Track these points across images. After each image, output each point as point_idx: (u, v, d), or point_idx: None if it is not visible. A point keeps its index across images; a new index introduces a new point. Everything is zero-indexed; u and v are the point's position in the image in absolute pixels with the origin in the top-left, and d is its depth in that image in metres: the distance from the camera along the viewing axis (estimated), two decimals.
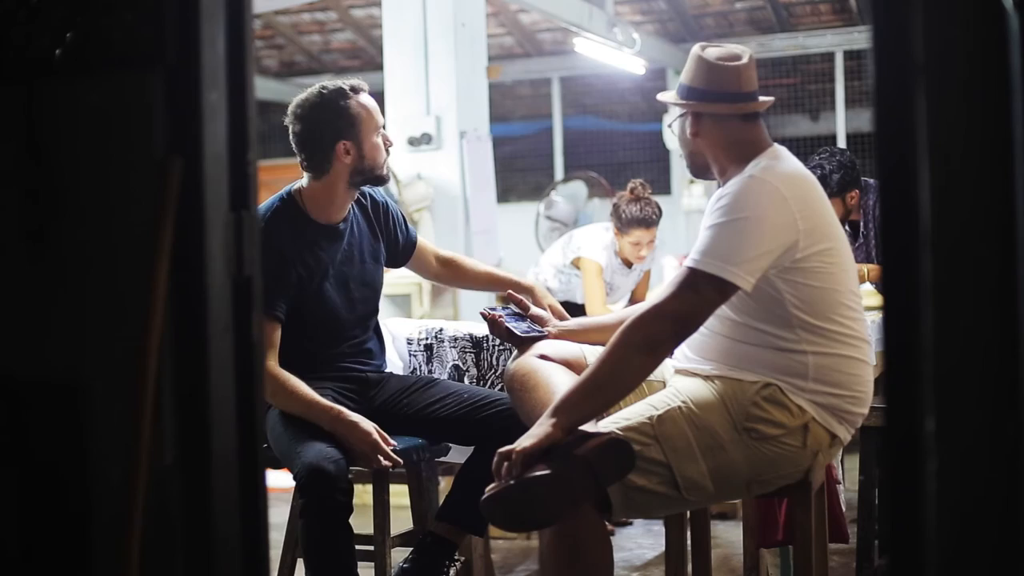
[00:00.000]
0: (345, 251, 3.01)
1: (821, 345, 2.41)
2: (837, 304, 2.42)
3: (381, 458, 2.75)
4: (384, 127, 3.03)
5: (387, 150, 3.01)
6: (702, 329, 2.46)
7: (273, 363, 2.85)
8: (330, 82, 3.01)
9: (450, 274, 3.30)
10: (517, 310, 2.92)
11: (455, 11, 6.07)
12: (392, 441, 2.80)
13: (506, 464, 2.28)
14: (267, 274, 2.83)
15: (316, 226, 2.98)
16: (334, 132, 2.93)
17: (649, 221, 4.68)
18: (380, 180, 3.04)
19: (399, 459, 2.80)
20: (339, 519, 2.67)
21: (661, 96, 2.73)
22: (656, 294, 2.40)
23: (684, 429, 2.39)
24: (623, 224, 4.72)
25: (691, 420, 2.40)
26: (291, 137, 3.00)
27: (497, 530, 4.36)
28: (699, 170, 2.63)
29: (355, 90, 2.97)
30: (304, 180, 3.02)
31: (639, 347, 2.33)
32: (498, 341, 3.20)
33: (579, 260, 4.87)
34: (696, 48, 2.59)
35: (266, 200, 3.02)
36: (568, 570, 2.35)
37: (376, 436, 2.76)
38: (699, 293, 2.33)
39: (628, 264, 4.89)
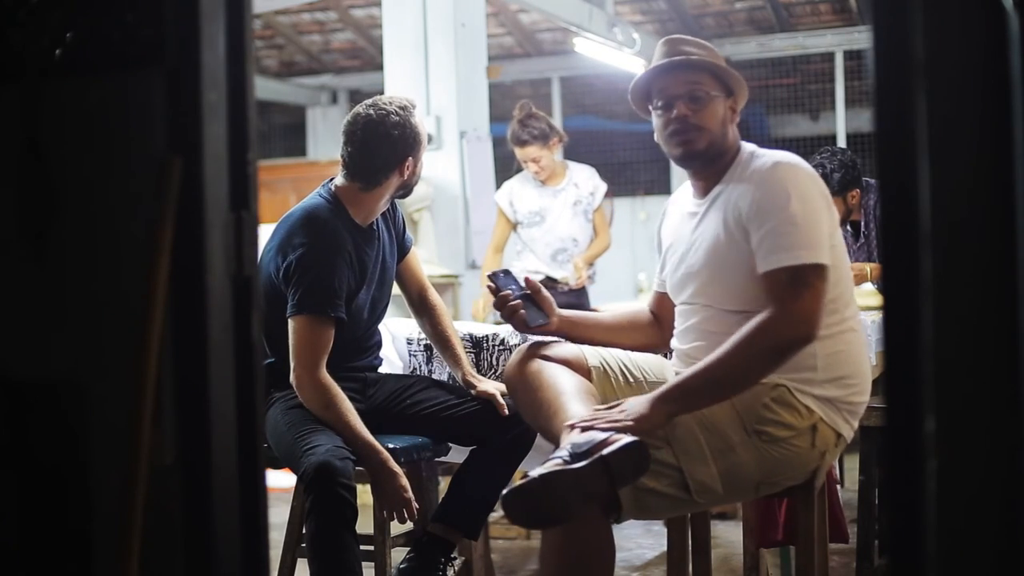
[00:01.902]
0: (378, 254, 3.03)
1: (828, 327, 2.42)
2: (842, 283, 2.46)
3: (404, 513, 2.83)
4: None
5: None
6: (709, 332, 2.47)
7: (325, 372, 2.86)
8: (389, 97, 3.01)
9: (424, 313, 3.19)
10: (524, 288, 2.76)
11: (455, 11, 6.07)
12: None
13: (605, 423, 2.31)
14: (332, 274, 2.85)
15: (358, 228, 2.99)
16: (404, 149, 2.95)
17: (523, 140, 5.02)
18: (409, 193, 3.09)
19: (416, 518, 2.89)
20: (346, 516, 2.68)
21: (735, 76, 2.58)
22: (770, 306, 2.35)
23: (695, 432, 2.38)
24: (511, 143, 5.09)
25: (702, 423, 2.39)
26: (356, 151, 2.95)
27: (497, 530, 4.36)
28: (706, 160, 2.55)
29: (414, 106, 3.01)
30: (339, 180, 3.01)
31: (769, 353, 2.34)
32: (498, 341, 3.19)
33: None
34: (699, 41, 2.60)
35: (308, 198, 3.01)
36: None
37: (411, 495, 2.82)
38: (813, 286, 2.34)
39: (551, 184, 5.16)
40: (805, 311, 2.32)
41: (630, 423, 2.29)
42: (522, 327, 2.72)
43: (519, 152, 5.06)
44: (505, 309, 2.69)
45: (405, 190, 3.04)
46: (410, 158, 2.96)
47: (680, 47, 2.58)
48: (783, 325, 2.32)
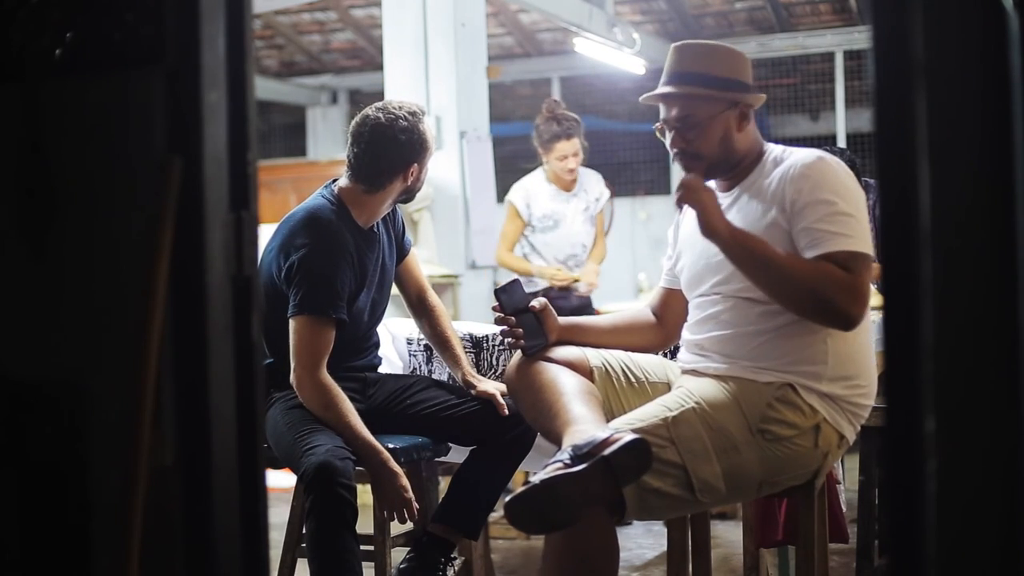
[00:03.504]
0: (378, 257, 3.03)
1: None
2: None
3: (405, 513, 2.83)
4: None
5: None
6: (727, 321, 2.47)
7: (325, 372, 2.86)
8: (399, 102, 3.01)
9: (423, 315, 3.18)
10: (530, 305, 2.72)
11: (455, 11, 6.07)
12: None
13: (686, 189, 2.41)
14: (334, 275, 2.85)
15: (360, 230, 2.99)
16: (411, 154, 2.96)
17: (568, 133, 4.93)
18: (412, 199, 3.10)
19: (416, 518, 2.89)
20: (346, 516, 2.68)
21: (741, 97, 2.54)
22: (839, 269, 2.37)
23: (699, 431, 2.38)
24: (545, 142, 4.95)
25: (706, 421, 2.39)
26: (362, 152, 2.95)
27: (497, 530, 4.36)
28: (715, 175, 2.57)
29: (424, 113, 3.02)
30: (343, 182, 3.01)
31: (823, 301, 2.34)
32: (498, 341, 3.19)
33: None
34: (713, 43, 2.59)
35: (310, 198, 3.01)
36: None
37: (411, 495, 2.82)
38: (865, 274, 2.36)
39: (566, 189, 5.07)
40: (865, 293, 2.35)
41: (702, 206, 2.38)
42: (514, 339, 2.68)
43: (563, 146, 4.91)
44: (506, 334, 2.68)
45: (408, 195, 3.04)
46: (415, 164, 2.97)
47: (683, 59, 2.55)
48: (848, 293, 2.33)
